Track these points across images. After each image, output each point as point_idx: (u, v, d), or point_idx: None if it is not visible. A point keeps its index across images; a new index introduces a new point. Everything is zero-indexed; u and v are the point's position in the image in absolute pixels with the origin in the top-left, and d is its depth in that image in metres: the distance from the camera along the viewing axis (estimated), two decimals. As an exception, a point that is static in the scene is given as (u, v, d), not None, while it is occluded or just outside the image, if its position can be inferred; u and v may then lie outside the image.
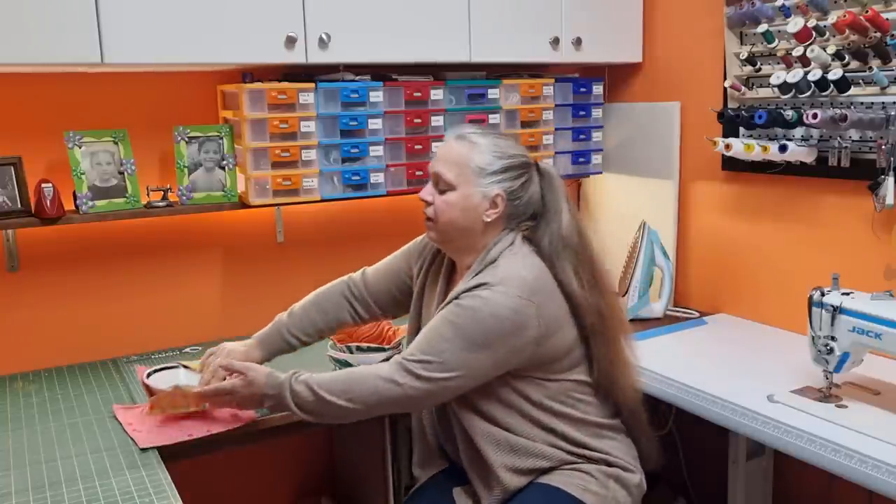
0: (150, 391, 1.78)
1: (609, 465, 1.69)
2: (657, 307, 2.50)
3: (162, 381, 1.83)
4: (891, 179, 1.94)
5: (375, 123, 2.29)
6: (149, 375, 1.83)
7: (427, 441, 1.84)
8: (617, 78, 2.80)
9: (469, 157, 1.65)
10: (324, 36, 2.09)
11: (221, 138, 2.23)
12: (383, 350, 2.02)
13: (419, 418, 1.85)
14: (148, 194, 2.18)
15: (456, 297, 1.60)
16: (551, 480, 1.65)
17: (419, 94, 2.34)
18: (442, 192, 1.67)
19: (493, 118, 2.47)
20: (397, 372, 1.56)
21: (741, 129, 2.34)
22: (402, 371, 1.56)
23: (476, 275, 1.63)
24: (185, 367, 1.93)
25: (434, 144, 2.39)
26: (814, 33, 2.06)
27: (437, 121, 2.38)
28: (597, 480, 1.65)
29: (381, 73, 2.35)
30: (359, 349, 2.01)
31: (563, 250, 1.67)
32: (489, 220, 1.66)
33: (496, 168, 1.66)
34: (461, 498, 1.72)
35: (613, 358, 1.71)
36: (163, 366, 1.91)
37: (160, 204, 2.18)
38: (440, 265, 1.84)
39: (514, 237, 1.68)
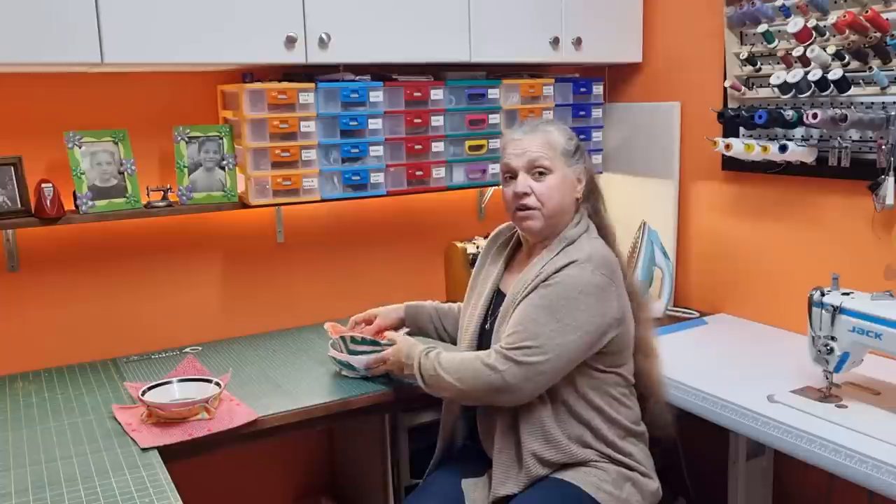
0: (150, 408, 1.78)
1: (629, 468, 1.73)
2: (657, 307, 2.50)
3: (158, 396, 1.83)
4: (891, 179, 1.94)
5: (375, 123, 2.29)
6: (144, 393, 1.83)
7: (453, 431, 1.89)
8: (617, 78, 2.80)
9: (554, 143, 1.76)
10: (324, 36, 2.09)
11: (221, 138, 2.23)
12: (377, 344, 2.01)
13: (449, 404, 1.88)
14: (148, 194, 2.18)
15: (544, 280, 1.67)
16: (568, 476, 1.69)
17: (419, 94, 2.34)
18: (540, 179, 1.74)
19: (493, 118, 2.48)
20: (498, 360, 1.63)
21: (741, 129, 2.34)
22: (502, 358, 1.62)
23: (557, 254, 1.72)
24: (186, 380, 1.93)
25: (434, 144, 2.39)
26: (814, 33, 2.06)
27: (437, 121, 2.38)
28: (612, 480, 1.70)
29: (381, 73, 2.35)
30: (353, 340, 2.02)
31: (609, 232, 1.83)
32: (579, 196, 1.79)
33: (572, 148, 1.79)
34: (470, 489, 1.74)
35: (650, 349, 1.83)
36: (155, 382, 1.90)
37: (160, 204, 2.18)
38: (503, 247, 1.92)
39: (588, 222, 1.80)
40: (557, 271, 1.67)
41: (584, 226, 1.78)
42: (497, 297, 1.84)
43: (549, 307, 1.64)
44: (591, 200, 1.84)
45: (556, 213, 1.75)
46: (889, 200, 1.94)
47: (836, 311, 1.70)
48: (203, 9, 1.96)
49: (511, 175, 1.77)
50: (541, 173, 1.73)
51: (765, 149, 2.17)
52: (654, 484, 1.78)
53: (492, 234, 2.01)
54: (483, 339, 1.82)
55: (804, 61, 2.08)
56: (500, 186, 1.83)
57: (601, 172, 2.76)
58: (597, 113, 2.71)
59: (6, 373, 2.16)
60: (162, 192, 2.19)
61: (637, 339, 1.80)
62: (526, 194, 1.73)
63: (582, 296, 1.65)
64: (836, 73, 2.01)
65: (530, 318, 1.64)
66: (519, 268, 1.84)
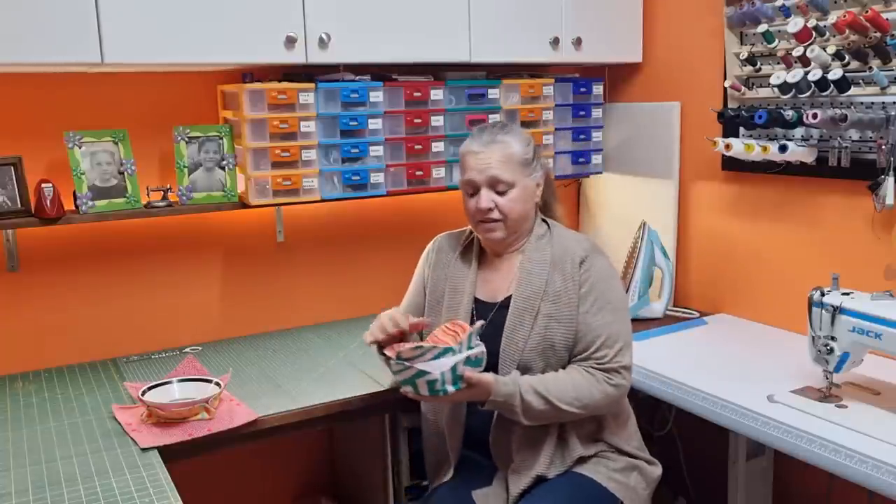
0: (150, 408, 1.79)
1: (633, 457, 1.80)
2: (657, 307, 2.50)
3: (158, 396, 1.83)
4: (891, 179, 1.94)
5: (375, 123, 2.29)
6: (144, 393, 1.83)
7: (438, 446, 1.85)
8: (617, 78, 2.80)
9: (512, 154, 1.78)
10: (324, 36, 2.09)
11: (221, 138, 2.23)
12: (451, 350, 1.61)
13: (436, 421, 1.85)
14: (148, 194, 2.18)
15: (579, 288, 1.74)
16: (579, 468, 1.74)
17: (419, 94, 2.34)
18: (502, 194, 1.77)
19: (493, 118, 2.47)
20: (613, 376, 1.71)
21: (741, 129, 2.34)
22: (614, 373, 1.71)
23: (552, 250, 1.79)
24: (186, 380, 1.93)
25: (434, 144, 2.39)
26: (814, 33, 2.06)
27: (437, 121, 2.38)
28: (621, 469, 1.76)
29: (381, 73, 2.35)
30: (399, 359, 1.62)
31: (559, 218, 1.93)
32: (538, 201, 1.86)
33: (531, 154, 1.83)
34: (482, 500, 1.73)
35: None
36: (155, 382, 1.90)
37: (160, 204, 2.18)
38: (467, 253, 1.91)
39: (544, 222, 1.88)
40: (581, 268, 1.75)
41: (539, 218, 1.87)
42: (477, 305, 1.83)
43: (606, 307, 1.74)
44: (544, 197, 1.91)
45: (518, 222, 1.81)
46: (889, 200, 1.94)
47: (836, 311, 1.70)
48: (203, 9, 1.96)
49: (473, 189, 1.79)
50: (503, 190, 1.77)
51: (765, 149, 2.17)
52: (657, 470, 1.85)
53: (435, 245, 1.98)
54: None
55: (804, 61, 2.08)
56: (462, 196, 1.84)
57: (601, 172, 2.77)
58: (597, 113, 2.71)
59: (6, 373, 2.16)
60: (162, 192, 2.19)
61: None
62: (490, 209, 1.77)
63: (614, 280, 1.80)
64: (836, 73, 2.01)
65: (601, 325, 1.72)
66: (493, 274, 1.86)
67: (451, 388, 1.60)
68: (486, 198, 1.76)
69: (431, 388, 1.60)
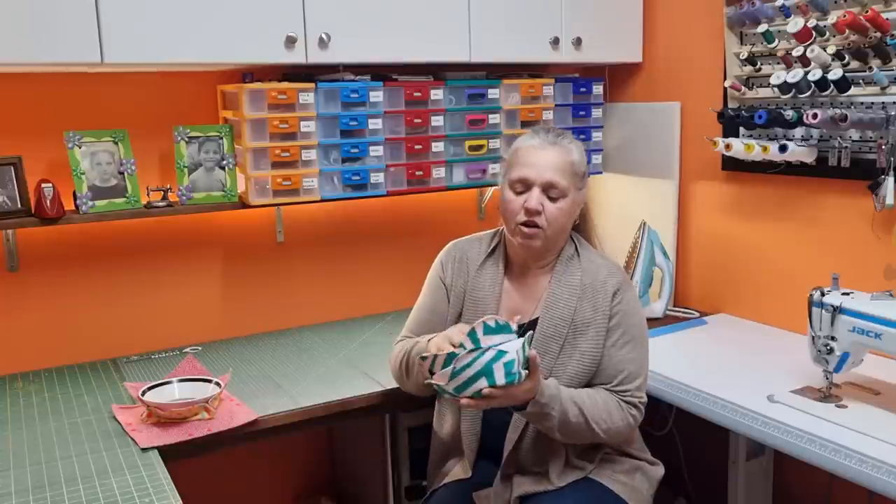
0: (150, 408, 1.79)
1: (637, 458, 1.81)
2: (657, 307, 2.50)
3: (158, 396, 1.83)
4: (891, 179, 1.94)
5: (375, 123, 2.29)
6: (143, 393, 1.83)
7: (447, 452, 1.84)
8: (617, 78, 2.80)
9: (572, 164, 1.71)
10: (324, 36, 2.09)
11: (221, 138, 2.23)
12: (510, 331, 1.48)
13: (449, 429, 1.83)
14: (148, 194, 2.18)
15: (609, 319, 1.71)
16: (587, 471, 1.74)
17: (419, 94, 2.34)
18: (553, 200, 1.68)
19: (493, 118, 2.47)
20: (633, 407, 1.70)
21: (741, 129, 2.34)
22: (633, 407, 1.70)
23: (580, 274, 1.74)
24: (186, 380, 1.92)
25: (434, 144, 2.39)
26: (814, 33, 2.06)
27: (437, 121, 2.38)
28: (626, 472, 1.76)
29: (381, 73, 2.35)
30: (486, 329, 1.48)
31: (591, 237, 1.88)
32: (576, 220, 1.79)
33: (584, 168, 1.76)
34: (483, 500, 1.73)
35: None
36: (155, 382, 1.90)
37: (160, 204, 2.18)
38: (493, 266, 1.80)
39: (572, 239, 1.81)
40: (613, 300, 1.72)
41: (574, 241, 1.81)
42: None
43: (631, 342, 1.72)
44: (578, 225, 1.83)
45: (557, 235, 1.72)
46: (889, 200, 1.94)
47: (836, 311, 1.70)
48: (203, 9, 1.96)
49: (525, 187, 1.68)
50: (555, 196, 1.68)
51: (765, 149, 2.17)
52: (660, 470, 1.85)
53: (452, 252, 1.85)
54: None
55: (804, 61, 2.08)
56: (500, 187, 1.75)
57: (601, 173, 2.77)
58: (597, 113, 2.70)
59: (6, 373, 2.16)
60: (162, 192, 2.19)
61: None
62: (538, 212, 1.66)
63: (641, 315, 1.78)
64: (836, 73, 2.01)
65: (625, 359, 1.71)
66: (518, 291, 1.78)
67: (524, 372, 1.48)
68: (537, 199, 1.66)
69: (508, 373, 1.45)
